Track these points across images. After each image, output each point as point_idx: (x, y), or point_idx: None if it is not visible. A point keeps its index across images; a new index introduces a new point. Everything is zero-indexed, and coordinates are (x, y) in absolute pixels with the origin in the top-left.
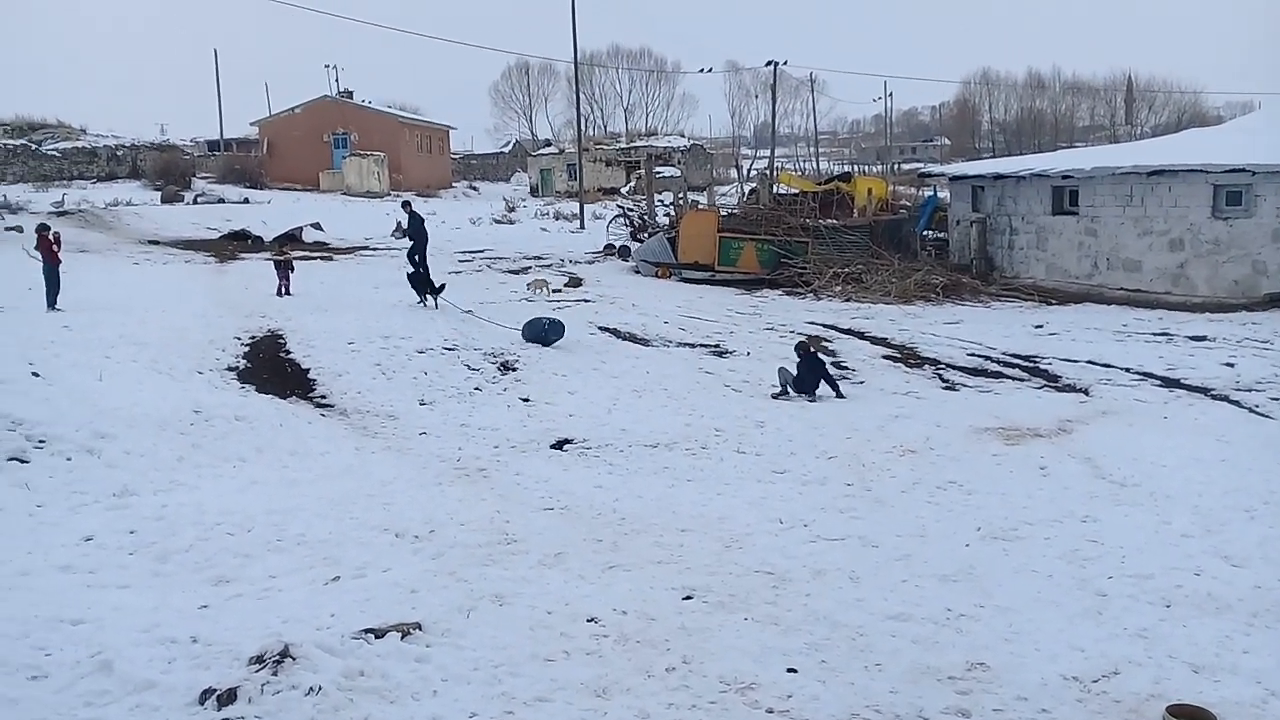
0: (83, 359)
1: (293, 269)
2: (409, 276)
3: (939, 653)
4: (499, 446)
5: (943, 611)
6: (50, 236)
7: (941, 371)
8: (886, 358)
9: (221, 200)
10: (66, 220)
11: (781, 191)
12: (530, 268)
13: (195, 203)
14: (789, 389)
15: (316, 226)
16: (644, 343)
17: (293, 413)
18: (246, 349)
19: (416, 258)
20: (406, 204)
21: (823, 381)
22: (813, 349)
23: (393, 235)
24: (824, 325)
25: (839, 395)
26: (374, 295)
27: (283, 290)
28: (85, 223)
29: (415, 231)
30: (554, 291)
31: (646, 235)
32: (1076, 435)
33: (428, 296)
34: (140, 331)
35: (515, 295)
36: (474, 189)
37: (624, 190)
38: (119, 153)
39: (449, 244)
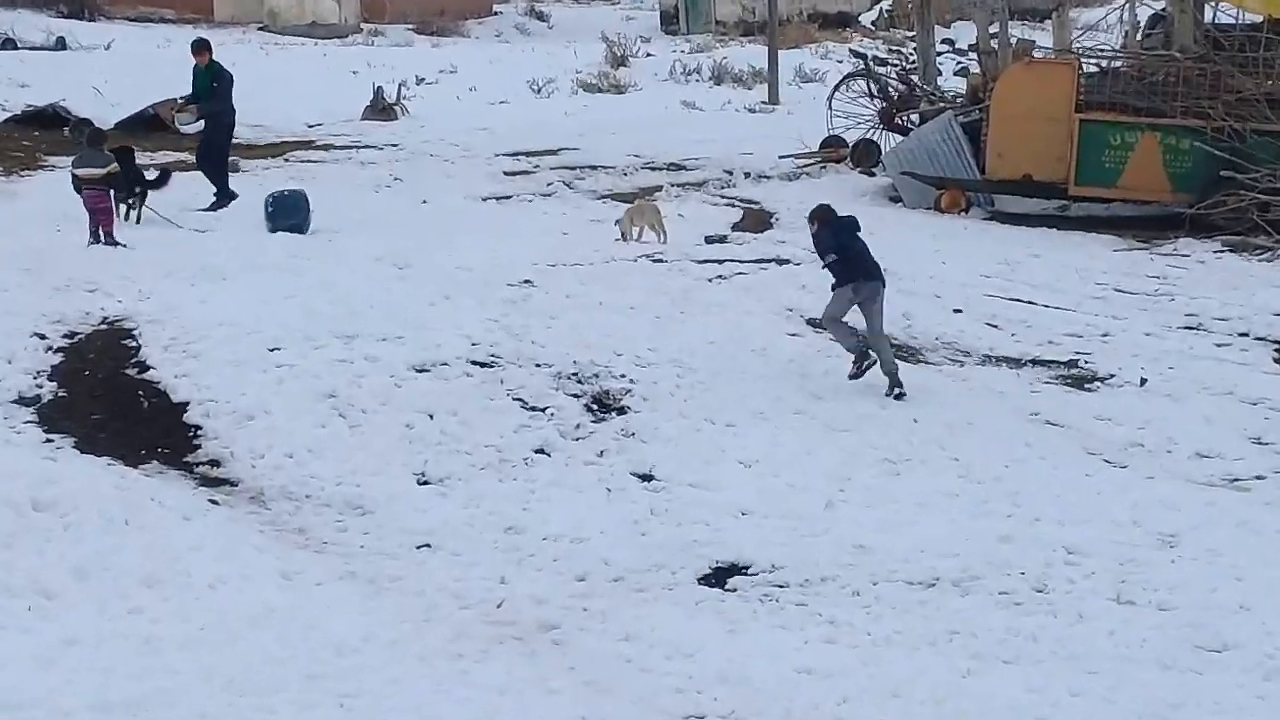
0: None
1: (138, 195)
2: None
3: None
4: (587, 578)
5: None
6: None
7: None
8: None
9: (10, 42)
10: None
11: (1226, 21)
12: (661, 188)
13: None
14: (847, 293)
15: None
16: (908, 354)
17: (152, 496)
18: (59, 359)
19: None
20: (202, 47)
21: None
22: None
23: (176, 115)
24: None
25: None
26: (326, 245)
27: (100, 234)
28: None
29: (224, 106)
30: (712, 241)
31: (915, 121)
32: None
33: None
34: None
35: (620, 249)
36: (540, 18)
37: (868, 21)
38: None
39: (486, 134)
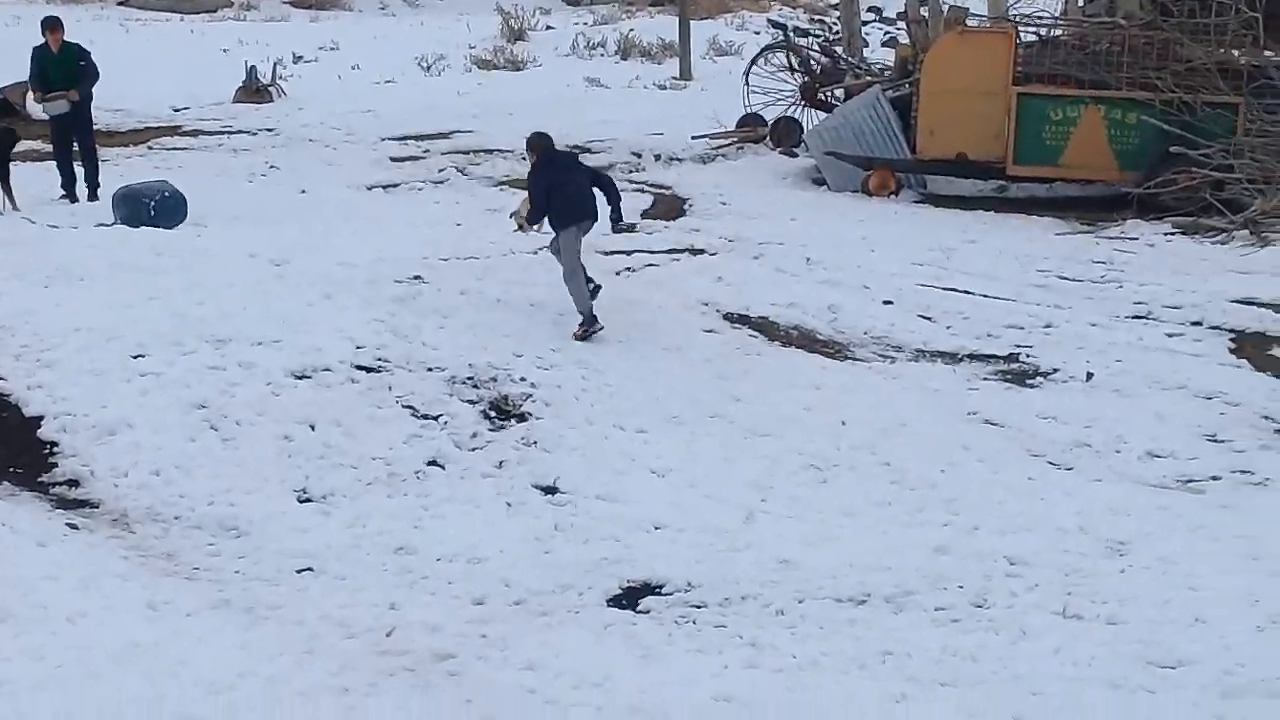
0: None
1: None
2: (61, 160)
3: None
4: (485, 602)
5: None
6: None
7: None
8: None
9: None
10: None
11: None
12: None
13: None
14: (556, 252)
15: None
16: (834, 350)
17: (2, 520)
18: None
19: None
20: (55, 25)
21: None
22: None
23: (44, 103)
24: (1273, 307)
25: (619, 222)
26: (195, 240)
27: None
28: None
29: (87, 87)
30: (620, 230)
31: (839, 97)
32: None
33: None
34: None
35: (516, 240)
36: None
37: None
38: None
39: (370, 117)
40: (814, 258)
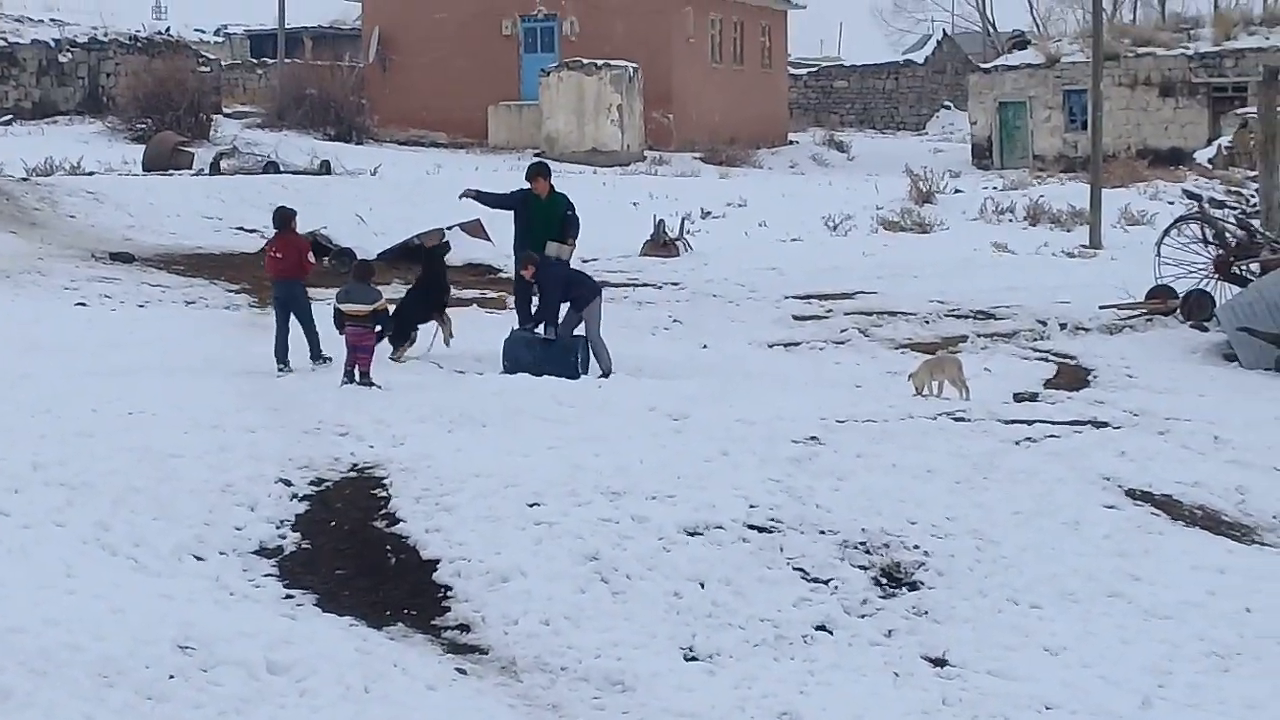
0: None
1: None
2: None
3: None
4: None
5: None
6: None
7: None
8: None
9: (273, 165)
10: None
11: None
12: (966, 338)
13: (217, 170)
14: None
15: (476, 230)
16: (1241, 533)
17: (395, 662)
18: (305, 507)
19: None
20: (540, 172)
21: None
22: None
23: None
24: None
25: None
26: (595, 392)
27: (355, 374)
28: None
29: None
30: (1021, 399)
31: (1255, 271)
32: None
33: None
34: (80, 456)
35: (918, 405)
36: (839, 149)
37: (1204, 159)
38: (64, 58)
39: (775, 274)
40: (1222, 436)
